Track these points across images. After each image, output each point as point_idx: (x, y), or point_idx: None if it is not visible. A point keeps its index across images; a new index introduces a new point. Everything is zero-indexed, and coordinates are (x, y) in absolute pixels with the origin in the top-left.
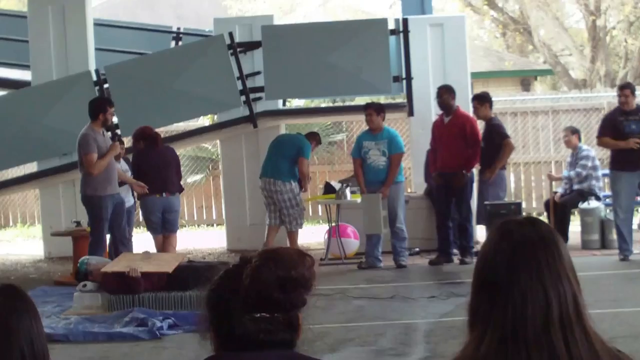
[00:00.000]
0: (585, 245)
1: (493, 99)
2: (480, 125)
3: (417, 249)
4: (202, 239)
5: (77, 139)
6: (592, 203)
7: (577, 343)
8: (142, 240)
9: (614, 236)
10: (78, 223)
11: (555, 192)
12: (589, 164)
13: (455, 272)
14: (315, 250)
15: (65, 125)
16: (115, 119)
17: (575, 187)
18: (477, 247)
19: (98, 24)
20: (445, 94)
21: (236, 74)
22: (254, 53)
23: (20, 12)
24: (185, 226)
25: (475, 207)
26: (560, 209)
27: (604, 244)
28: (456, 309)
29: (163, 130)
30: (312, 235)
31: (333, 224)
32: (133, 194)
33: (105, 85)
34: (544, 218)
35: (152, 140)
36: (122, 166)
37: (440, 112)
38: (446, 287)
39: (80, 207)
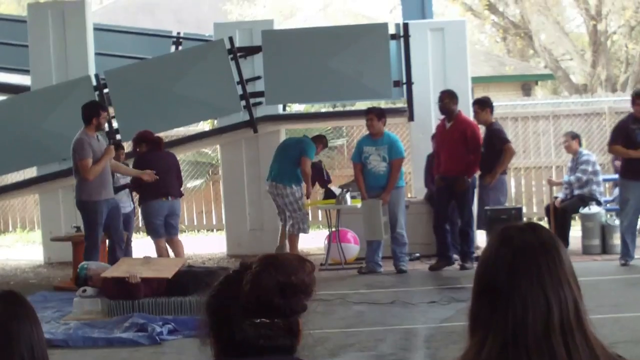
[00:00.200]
0: (586, 250)
1: (494, 103)
2: (481, 130)
3: (418, 254)
4: (201, 244)
5: (72, 144)
6: (593, 208)
7: (577, 348)
8: (142, 245)
9: (615, 241)
10: (78, 228)
11: (556, 197)
12: (590, 169)
13: (455, 277)
14: (316, 255)
15: (65, 130)
16: (115, 124)
17: (576, 192)
18: (478, 253)
19: (98, 29)
20: (447, 98)
21: (236, 78)
22: (254, 58)
23: (20, 17)
24: (185, 231)
25: (476, 212)
26: (560, 214)
27: (605, 249)
28: (456, 314)
29: (163, 135)
30: (312, 241)
31: (333, 229)
32: (132, 199)
33: (105, 90)
34: (544, 223)
35: (155, 144)
36: None
37: (441, 116)
38: (446, 292)
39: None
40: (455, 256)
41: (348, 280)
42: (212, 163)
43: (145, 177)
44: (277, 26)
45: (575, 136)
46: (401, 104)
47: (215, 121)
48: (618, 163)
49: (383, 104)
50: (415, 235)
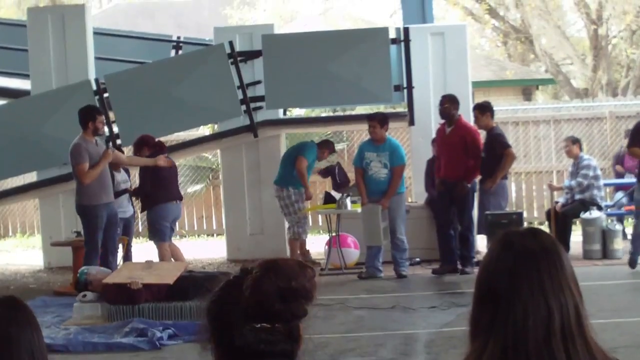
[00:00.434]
0: (587, 255)
1: (494, 108)
2: (482, 134)
3: (418, 259)
4: (202, 249)
5: (69, 149)
6: (594, 213)
7: (578, 354)
8: (143, 249)
9: (616, 246)
10: (78, 233)
11: (557, 202)
12: (591, 173)
13: (456, 282)
14: (316, 260)
15: (65, 134)
16: (115, 128)
17: (577, 196)
18: (478, 257)
19: (98, 33)
20: (447, 103)
21: (236, 83)
22: (254, 62)
23: (20, 21)
24: (185, 236)
25: (476, 216)
26: (561, 219)
27: (606, 254)
28: (457, 319)
29: (163, 140)
30: (312, 245)
31: (333, 234)
32: (133, 204)
33: (105, 95)
34: (545, 228)
35: (159, 148)
36: (122, 176)
37: (441, 120)
38: (447, 297)
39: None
40: None
41: (348, 285)
42: (213, 168)
43: (160, 163)
44: (277, 30)
45: (576, 141)
46: (401, 108)
47: (216, 126)
48: (619, 168)
49: (383, 109)
50: (416, 240)
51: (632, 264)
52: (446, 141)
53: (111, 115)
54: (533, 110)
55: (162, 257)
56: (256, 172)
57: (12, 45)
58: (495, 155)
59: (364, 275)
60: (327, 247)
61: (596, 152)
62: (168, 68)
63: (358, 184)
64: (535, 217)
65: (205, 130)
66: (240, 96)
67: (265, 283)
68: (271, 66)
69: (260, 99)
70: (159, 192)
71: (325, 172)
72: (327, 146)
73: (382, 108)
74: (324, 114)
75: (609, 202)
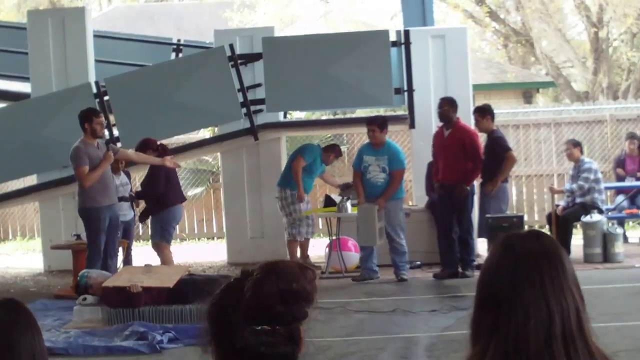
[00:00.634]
0: (588, 258)
1: (495, 111)
2: (482, 137)
3: (419, 263)
4: (202, 252)
5: (69, 152)
6: (595, 216)
7: (579, 357)
8: (143, 252)
9: (616, 249)
10: (78, 236)
11: (558, 205)
12: (591, 176)
13: (456, 285)
14: (316, 263)
15: (65, 137)
16: (116, 131)
17: (578, 200)
18: (479, 261)
19: (98, 36)
20: (446, 105)
21: (237, 86)
22: (254, 65)
23: (20, 24)
24: (185, 239)
25: (477, 220)
26: (562, 222)
27: (607, 258)
28: (458, 323)
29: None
30: (312, 249)
31: (334, 237)
32: (133, 208)
33: (106, 97)
34: (546, 231)
35: (163, 151)
36: (122, 179)
37: (440, 123)
38: (447, 300)
39: (80, 220)
40: None
41: (349, 288)
42: (213, 171)
43: (167, 164)
44: (278, 33)
45: (576, 144)
46: (402, 111)
47: (216, 129)
48: (620, 171)
49: (384, 112)
50: (416, 244)
51: None
52: (444, 144)
53: (112, 118)
54: (534, 113)
55: (165, 259)
56: (256, 175)
57: (12, 48)
58: (495, 158)
59: (359, 278)
60: (327, 250)
61: (597, 156)
62: (168, 71)
63: (356, 186)
64: (536, 221)
65: (205, 133)
66: (241, 99)
67: (266, 285)
68: (272, 69)
69: (261, 101)
70: (168, 195)
71: (346, 188)
72: (333, 150)
73: (382, 111)
74: (324, 117)
75: (609, 206)
